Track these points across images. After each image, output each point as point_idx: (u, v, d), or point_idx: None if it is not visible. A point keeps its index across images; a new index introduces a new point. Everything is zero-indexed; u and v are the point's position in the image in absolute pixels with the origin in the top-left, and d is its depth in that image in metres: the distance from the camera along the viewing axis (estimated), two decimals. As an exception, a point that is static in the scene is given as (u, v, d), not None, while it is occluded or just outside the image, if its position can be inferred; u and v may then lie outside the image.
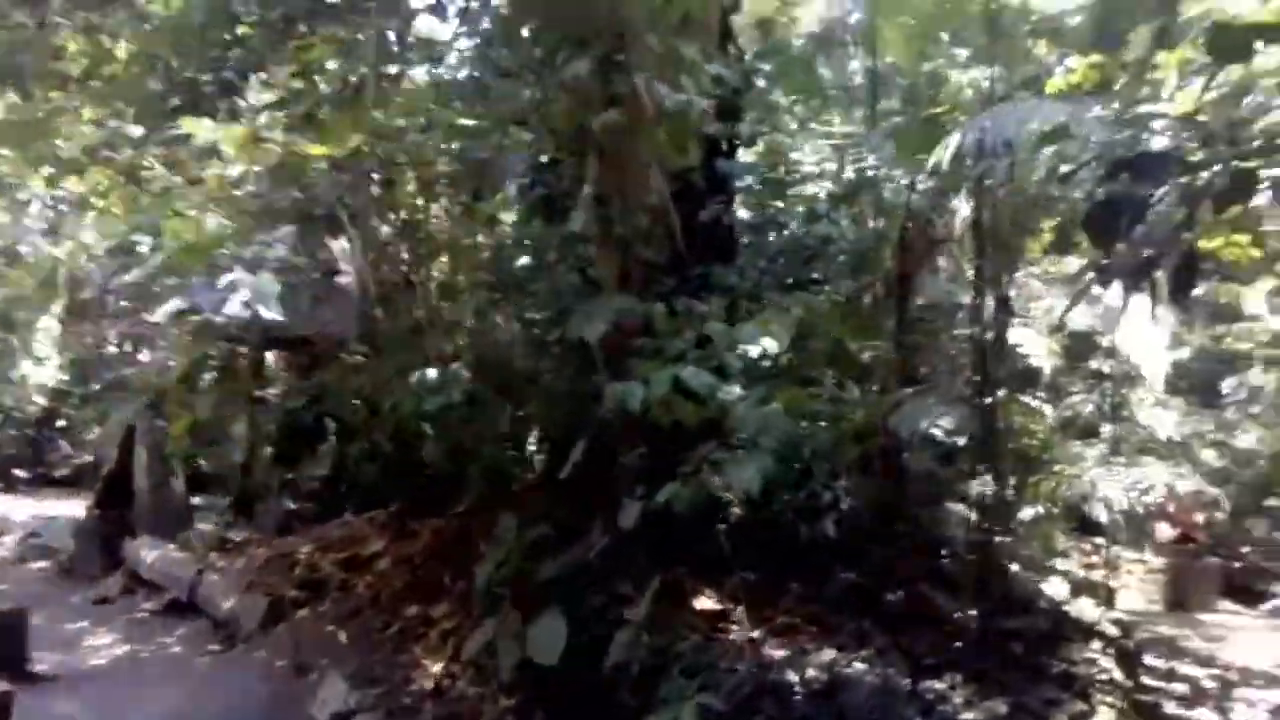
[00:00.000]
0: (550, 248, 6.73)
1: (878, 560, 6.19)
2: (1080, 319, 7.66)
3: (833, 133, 7.12)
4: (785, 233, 7.34)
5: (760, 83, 8.36)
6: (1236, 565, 10.91)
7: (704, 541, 5.27)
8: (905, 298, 4.98)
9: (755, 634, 5.42)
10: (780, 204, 7.86)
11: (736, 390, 4.42)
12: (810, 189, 7.82)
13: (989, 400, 5.65)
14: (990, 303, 5.45)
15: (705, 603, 5.90)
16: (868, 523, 5.52)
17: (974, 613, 5.89)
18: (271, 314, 10.46)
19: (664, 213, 6.77)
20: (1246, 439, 10.34)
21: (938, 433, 4.44)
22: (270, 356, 11.80)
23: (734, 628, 5.52)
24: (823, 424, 4.81)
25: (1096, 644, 6.20)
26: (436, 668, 5.44)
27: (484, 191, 8.06)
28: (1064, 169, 2.84)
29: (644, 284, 6.56)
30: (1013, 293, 6.93)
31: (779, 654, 5.12)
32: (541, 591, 4.85)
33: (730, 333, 4.50)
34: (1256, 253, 7.82)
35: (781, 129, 8.00)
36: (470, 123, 6.39)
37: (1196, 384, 10.97)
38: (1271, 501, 11.94)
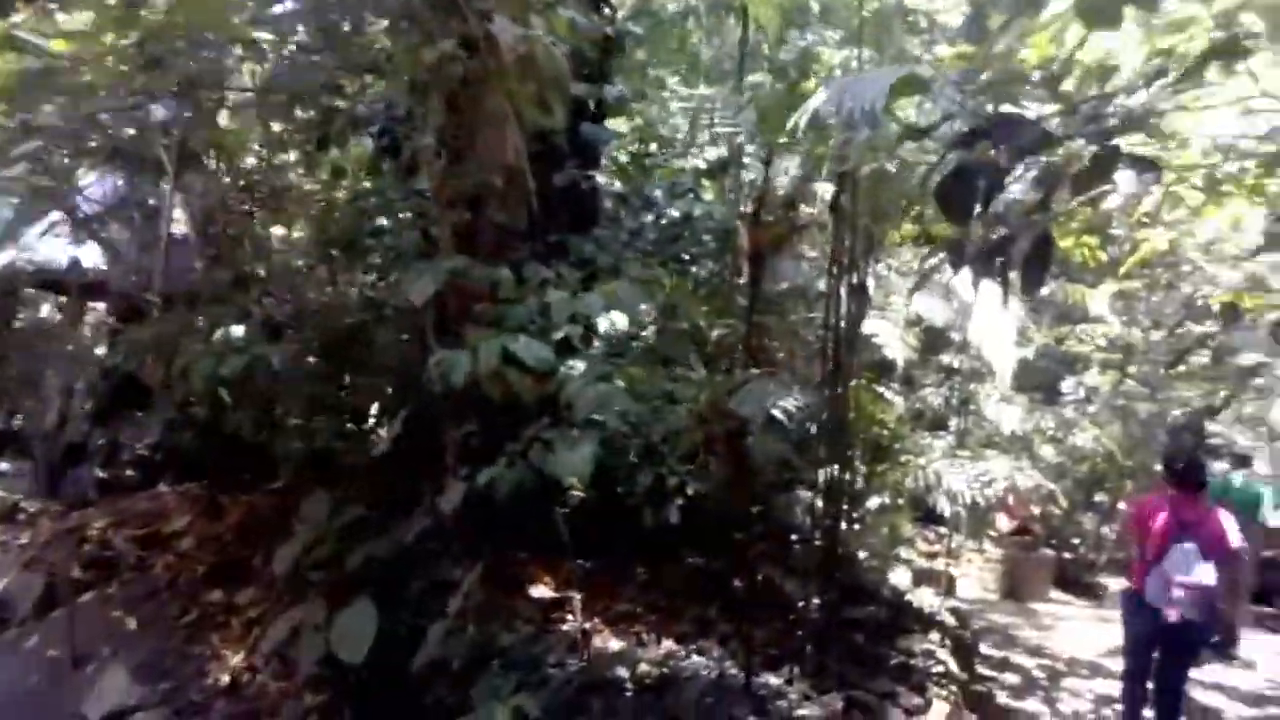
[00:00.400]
0: (397, 204, 6.19)
1: (725, 546, 6.01)
2: (935, 313, 7.68)
3: (703, 104, 6.85)
4: (651, 206, 7.03)
5: (633, 49, 8.01)
6: (1068, 557, 11.44)
7: (541, 525, 4.91)
8: (758, 279, 4.73)
9: (590, 624, 5.12)
10: (646, 176, 7.55)
11: (580, 365, 4.06)
12: (679, 162, 7.55)
13: (840, 388, 5.52)
14: (845, 290, 5.30)
15: (541, 590, 5.56)
16: (715, 508, 5.29)
17: (818, 601, 5.78)
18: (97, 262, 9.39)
19: (520, 173, 6.34)
20: (1083, 437, 10.79)
21: (782, 417, 4.21)
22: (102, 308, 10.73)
23: (570, 618, 5.21)
24: (667, 405, 4.51)
25: (935, 635, 6.22)
26: (235, 660, 4.88)
27: (331, 140, 7.41)
28: (923, 124, 2.61)
29: (496, 248, 6.13)
30: (871, 281, 6.88)
31: (614, 646, 4.83)
32: (354, 579, 4.38)
33: (571, 303, 4.12)
34: (1103, 255, 8.06)
35: (652, 97, 7.68)
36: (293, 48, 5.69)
37: (1039, 382, 11.37)
38: (1100, 497, 12.64)
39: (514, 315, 4.35)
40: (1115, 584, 11.35)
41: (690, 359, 5.50)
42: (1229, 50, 3.03)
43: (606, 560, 5.99)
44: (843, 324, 5.36)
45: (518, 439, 4.07)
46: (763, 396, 3.92)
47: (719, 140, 6.19)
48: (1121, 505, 12.44)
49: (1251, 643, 8.10)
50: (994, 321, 6.56)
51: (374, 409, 6.51)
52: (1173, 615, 4.66)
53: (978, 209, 2.47)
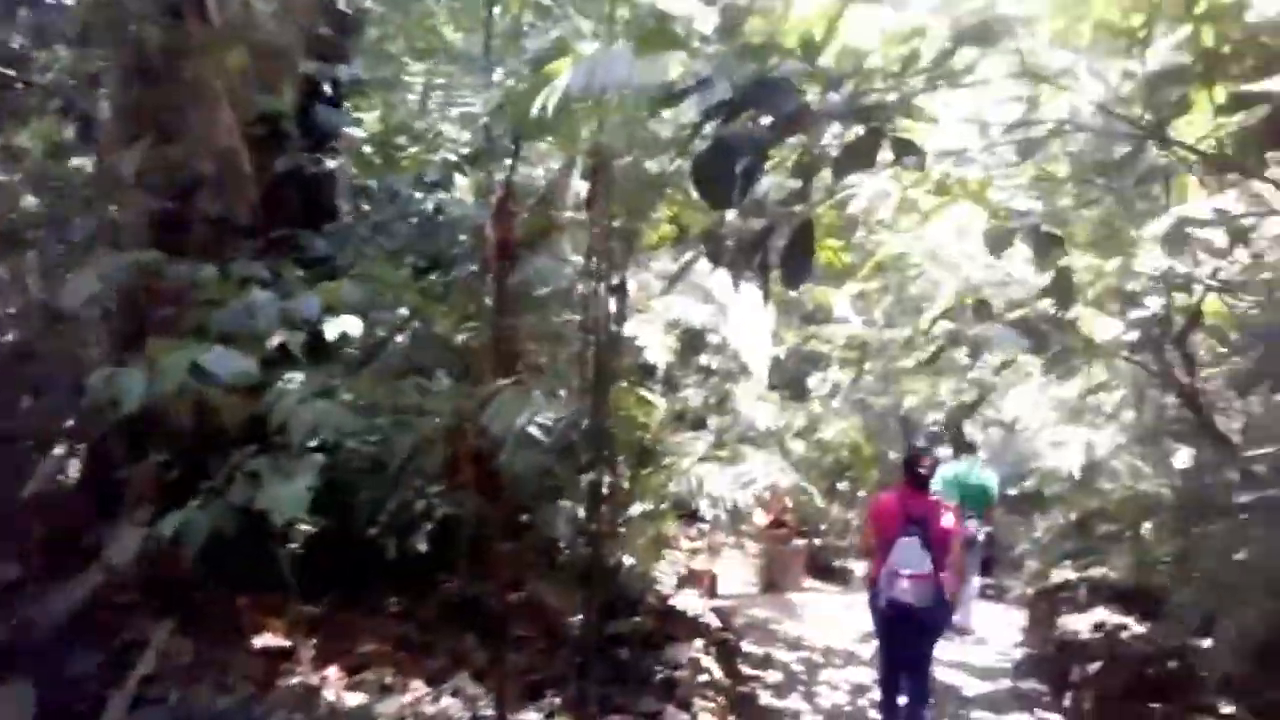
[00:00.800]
0: (78, 189, 5.19)
1: (482, 571, 5.58)
2: (694, 315, 7.66)
3: (451, 91, 6.35)
4: (397, 199, 6.42)
5: (375, 29, 7.35)
6: (819, 545, 12.03)
7: (264, 565, 4.23)
8: (504, 279, 4.34)
9: (324, 675, 4.50)
10: (392, 168, 6.92)
11: (298, 379, 3.46)
12: (430, 154, 6.98)
13: (602, 392, 5.27)
14: (605, 291, 5.04)
15: (269, 639, 4.84)
16: (470, 531, 4.84)
17: (581, 618, 5.50)
18: None
19: (235, 157, 5.55)
20: (829, 430, 11.35)
21: (538, 433, 3.85)
22: None
23: (302, 669, 4.55)
24: (416, 420, 4.00)
25: (700, 641, 6.13)
26: None
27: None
28: (678, 89, 2.35)
29: (209, 243, 5.31)
30: (632, 283, 6.72)
31: (351, 700, 4.25)
32: (7, 654, 3.50)
33: (278, 305, 3.50)
34: (847, 258, 8.40)
35: (395, 82, 7.05)
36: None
37: (790, 379, 11.84)
38: (844, 485, 13.46)
39: (219, 321, 3.65)
40: (860, 568, 12.17)
41: (441, 369, 5.00)
42: (981, 37, 3.01)
43: (351, 596, 5.37)
44: (604, 327, 5.10)
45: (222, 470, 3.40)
46: (515, 411, 3.53)
47: (471, 130, 5.72)
48: (862, 493, 13.38)
49: (977, 616, 8.80)
50: (750, 322, 6.59)
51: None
52: (903, 600, 4.94)
53: (738, 191, 2.23)
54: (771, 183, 3.04)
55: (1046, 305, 5.30)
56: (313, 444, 3.43)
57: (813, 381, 12.46)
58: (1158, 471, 8.34)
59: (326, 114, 6.50)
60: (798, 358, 12.21)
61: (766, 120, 2.26)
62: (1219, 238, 4.29)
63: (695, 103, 2.37)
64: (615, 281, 4.89)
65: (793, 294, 10.21)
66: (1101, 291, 5.19)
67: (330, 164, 5.56)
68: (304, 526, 4.38)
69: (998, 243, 6.18)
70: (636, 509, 7.01)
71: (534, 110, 2.86)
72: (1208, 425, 4.88)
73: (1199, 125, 4.27)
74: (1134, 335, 5.04)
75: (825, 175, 2.91)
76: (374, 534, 4.58)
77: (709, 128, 2.31)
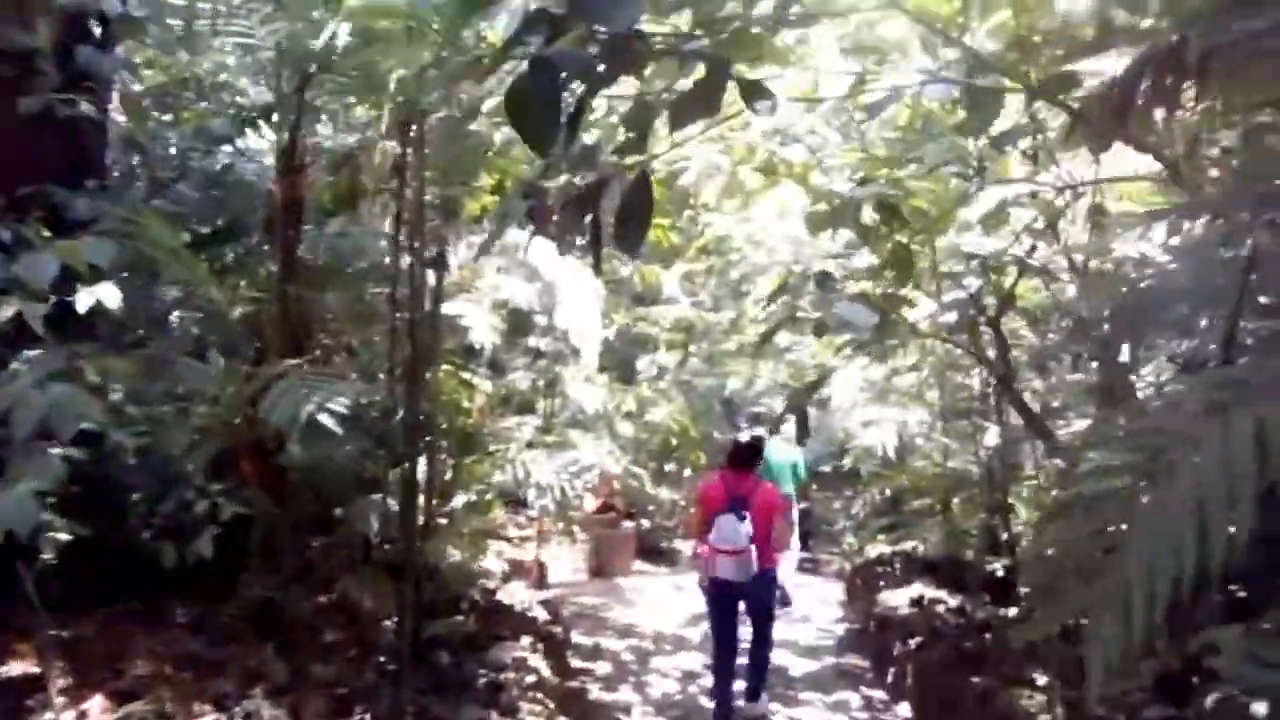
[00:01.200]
0: None
1: (284, 574, 5.02)
2: (521, 294, 7.29)
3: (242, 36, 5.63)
4: (176, 157, 5.66)
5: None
6: (647, 527, 11.98)
7: (9, 581, 3.55)
8: (290, 246, 3.82)
9: (87, 705, 3.84)
10: (176, 121, 6.12)
11: (29, 360, 2.85)
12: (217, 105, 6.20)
13: (421, 375, 4.83)
14: (421, 265, 4.60)
15: (18, 667, 4.11)
16: (261, 532, 4.29)
17: (397, 621, 5.06)
18: None
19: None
20: (656, 412, 11.31)
21: (328, 419, 3.38)
22: None
23: (58, 699, 3.87)
24: (185, 409, 3.44)
25: (527, 639, 5.82)
26: None
27: None
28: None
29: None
30: (454, 259, 6.27)
31: (115, 735, 3.64)
32: None
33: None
34: (675, 238, 8.26)
35: (174, 26, 6.21)
36: None
37: (618, 361, 11.69)
38: (670, 466, 13.53)
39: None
40: (688, 548, 12.26)
41: (227, 348, 4.39)
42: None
43: (127, 611, 4.67)
44: (421, 304, 4.66)
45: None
46: (299, 397, 3.06)
47: (265, 78, 5.07)
48: (688, 474, 13.52)
49: (797, 590, 8.98)
50: (580, 302, 6.30)
51: None
52: (724, 576, 5.13)
53: (564, 127, 1.91)
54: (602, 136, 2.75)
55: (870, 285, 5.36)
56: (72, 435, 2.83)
57: (641, 363, 12.41)
58: (965, 448, 8.79)
59: (90, 55, 5.63)
60: (626, 339, 12.10)
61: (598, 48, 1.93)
62: (1030, 218, 4.42)
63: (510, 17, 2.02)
64: (433, 255, 4.46)
65: (623, 272, 10.09)
66: (920, 272, 5.27)
67: (89, 109, 4.76)
68: (60, 535, 3.71)
69: (819, 224, 6.22)
70: (459, 500, 6.61)
71: (317, 44, 2.41)
72: (1019, 403, 5.04)
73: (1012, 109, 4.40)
74: (952, 316, 5.15)
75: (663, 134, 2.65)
76: (149, 538, 3.95)
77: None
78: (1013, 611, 6.72)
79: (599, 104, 2.98)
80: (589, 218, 2.35)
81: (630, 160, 2.34)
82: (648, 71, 2.28)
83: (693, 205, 7.30)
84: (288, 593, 5.05)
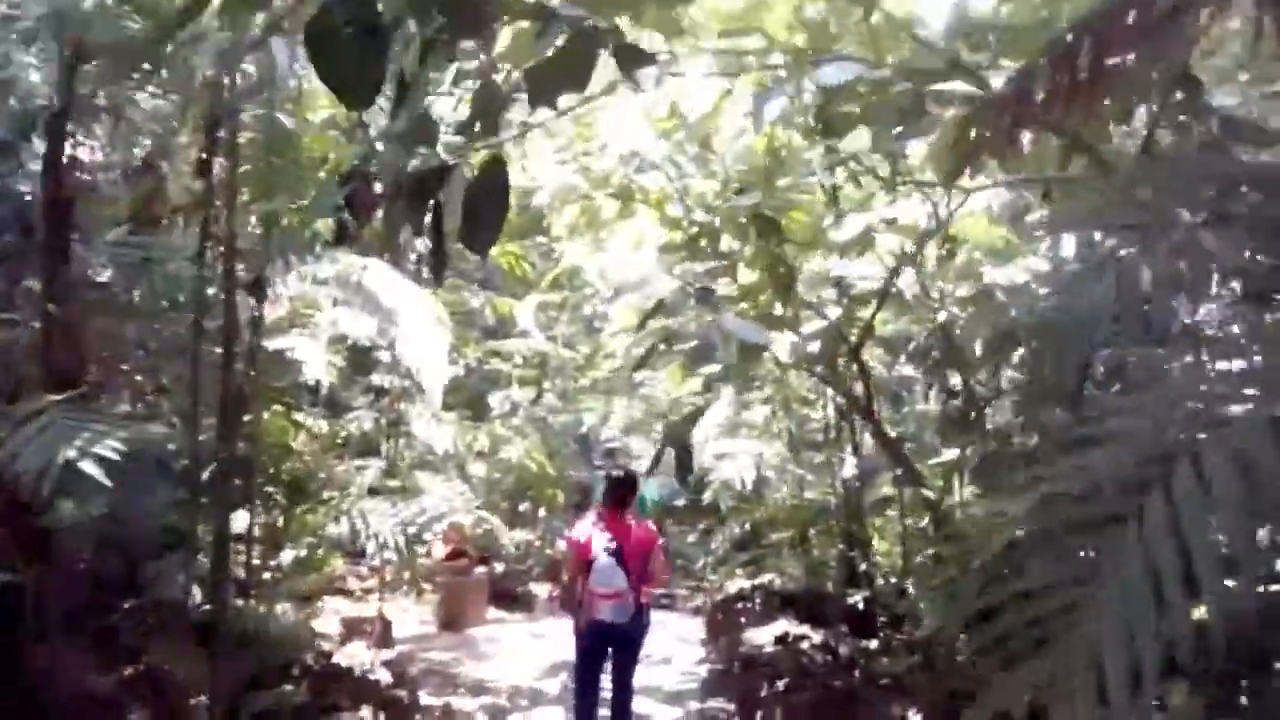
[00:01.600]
0: None
1: (76, 653, 4.29)
2: (361, 327, 6.74)
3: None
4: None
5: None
6: (500, 571, 11.41)
7: None
8: (57, 259, 3.23)
9: None
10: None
11: None
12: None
13: (238, 418, 4.27)
14: (237, 291, 4.06)
15: None
16: (34, 600, 3.61)
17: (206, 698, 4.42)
18: None
19: None
20: (510, 450, 10.84)
21: (91, 467, 2.81)
22: None
23: None
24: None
25: (367, 708, 5.24)
26: None
27: None
28: None
29: None
30: (283, 286, 5.69)
31: None
32: None
33: None
34: (529, 267, 7.92)
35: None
36: None
37: (470, 398, 11.18)
38: (524, 506, 13.05)
39: None
40: (543, 591, 11.75)
41: None
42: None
43: None
44: (240, 336, 4.12)
45: None
46: (54, 440, 2.50)
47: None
48: (542, 513, 13.06)
49: (653, 629, 8.67)
50: (424, 333, 5.84)
51: None
52: (604, 620, 4.98)
53: (384, 81, 1.54)
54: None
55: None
56: None
57: (494, 400, 11.92)
58: (821, 480, 8.82)
59: None
60: (478, 375, 11.61)
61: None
62: (893, 246, 4.36)
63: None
64: (249, 280, 3.93)
65: (473, 304, 9.62)
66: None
67: None
68: None
69: (674, 254, 6.03)
70: (288, 554, 5.97)
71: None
72: (880, 433, 4.97)
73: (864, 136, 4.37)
74: (815, 345, 5.05)
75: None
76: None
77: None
78: (874, 644, 6.71)
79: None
80: (427, 210, 1.96)
81: (481, 145, 1.97)
82: (502, 41, 1.94)
83: (545, 232, 6.98)
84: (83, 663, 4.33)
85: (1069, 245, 1.80)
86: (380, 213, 1.98)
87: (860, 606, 7.22)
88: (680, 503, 13.61)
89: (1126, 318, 1.40)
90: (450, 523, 8.94)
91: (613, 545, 5.02)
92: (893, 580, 7.54)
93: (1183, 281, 1.39)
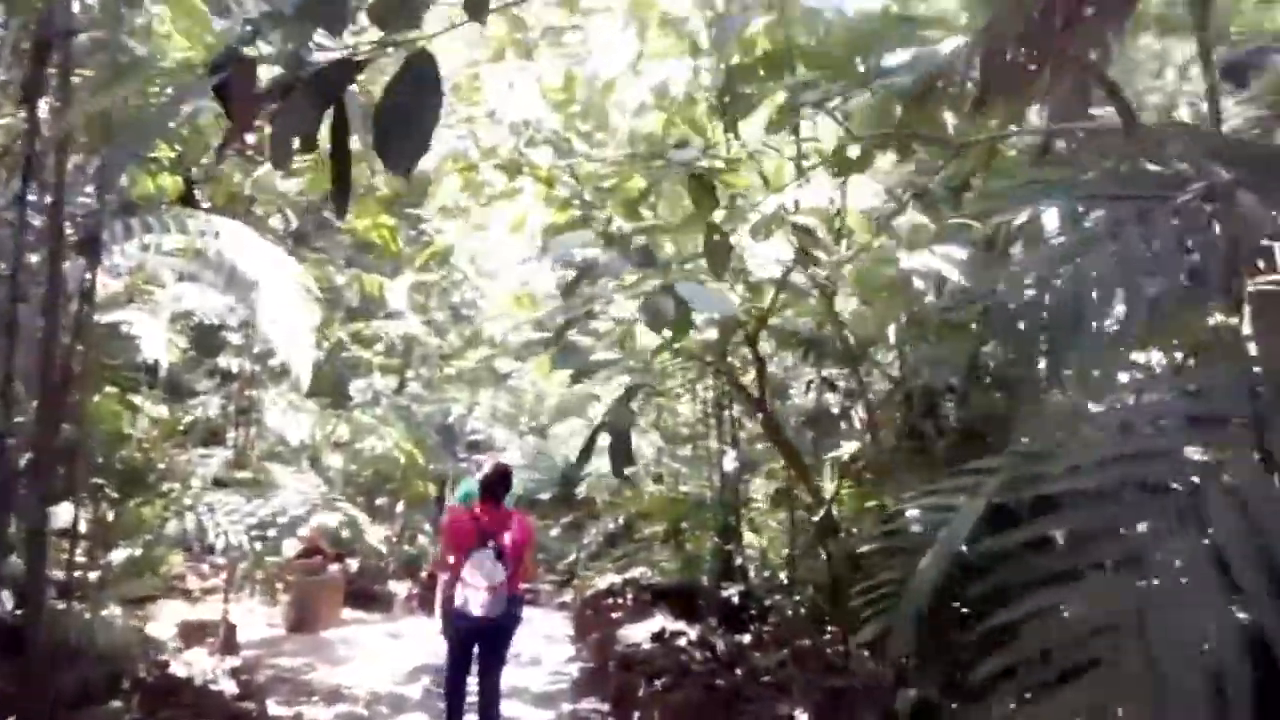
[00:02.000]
0: None
1: None
2: (210, 303, 6.12)
3: None
4: None
5: None
6: (356, 569, 10.80)
7: None
8: None
9: None
10: None
11: None
12: None
13: (60, 399, 3.71)
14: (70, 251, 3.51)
15: None
16: None
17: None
18: None
19: None
20: (371, 442, 10.24)
21: None
22: None
23: None
24: None
25: (209, 723, 4.72)
26: None
27: None
28: None
29: None
30: (123, 257, 5.07)
31: None
32: None
33: None
34: (402, 243, 7.44)
35: None
36: None
37: (331, 385, 10.52)
38: (382, 500, 12.44)
39: None
40: (402, 589, 11.19)
41: None
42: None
43: None
44: (60, 303, 3.56)
45: None
46: None
47: None
48: (401, 507, 12.47)
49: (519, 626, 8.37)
50: (288, 315, 5.30)
51: None
52: (478, 614, 4.82)
53: None
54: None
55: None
56: None
57: (355, 388, 11.27)
58: (696, 473, 8.76)
59: None
60: (340, 360, 10.95)
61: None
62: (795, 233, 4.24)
63: None
64: (83, 239, 3.40)
65: (338, 280, 8.97)
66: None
67: None
68: None
69: (558, 235, 5.76)
70: (120, 553, 5.34)
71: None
72: (772, 427, 4.88)
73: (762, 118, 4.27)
74: (712, 333, 4.90)
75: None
76: None
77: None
78: (746, 638, 6.65)
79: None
80: (327, 116, 1.55)
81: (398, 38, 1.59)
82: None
83: (421, 204, 6.54)
84: None
85: (1051, 218, 1.69)
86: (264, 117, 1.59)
87: (735, 601, 7.17)
88: (545, 496, 13.37)
89: (1131, 297, 1.28)
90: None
91: (492, 538, 4.89)
92: (765, 574, 7.55)
93: (1213, 250, 1.28)
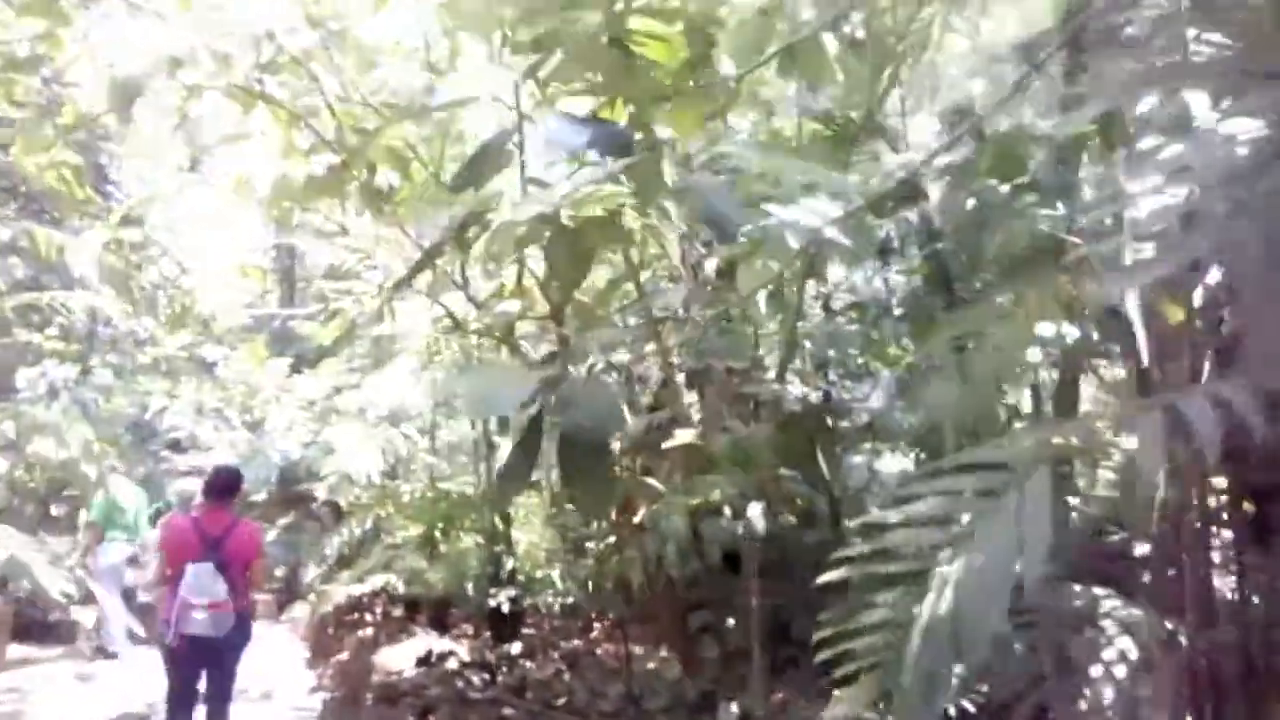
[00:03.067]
0: None
1: None
2: None
3: None
4: None
5: None
6: (23, 595, 8.83)
7: None
8: None
9: None
10: None
11: None
12: None
13: None
14: None
15: None
16: None
17: None
18: None
19: None
20: (45, 444, 8.35)
21: None
22: None
23: None
24: None
25: None
26: None
27: None
28: None
29: None
30: None
31: None
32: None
33: None
34: (91, 193, 6.01)
35: None
36: None
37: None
38: (58, 510, 10.49)
39: None
40: (87, 617, 9.31)
41: None
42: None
43: None
44: None
45: None
46: None
47: None
48: (84, 516, 10.59)
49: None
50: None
51: None
52: (200, 634, 4.47)
53: None
54: None
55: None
56: None
57: (26, 377, 9.24)
58: (460, 471, 7.95)
59: None
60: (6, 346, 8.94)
61: None
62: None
63: None
64: None
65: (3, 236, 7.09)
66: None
67: None
68: None
69: (298, 194, 4.93)
70: None
71: None
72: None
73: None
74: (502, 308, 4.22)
75: None
76: None
77: None
78: (517, 647, 5.99)
79: None
80: None
81: None
82: None
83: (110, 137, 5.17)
84: None
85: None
86: None
87: (504, 608, 6.49)
88: (260, 496, 11.87)
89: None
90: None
91: (211, 547, 4.53)
92: (538, 575, 6.94)
93: None
